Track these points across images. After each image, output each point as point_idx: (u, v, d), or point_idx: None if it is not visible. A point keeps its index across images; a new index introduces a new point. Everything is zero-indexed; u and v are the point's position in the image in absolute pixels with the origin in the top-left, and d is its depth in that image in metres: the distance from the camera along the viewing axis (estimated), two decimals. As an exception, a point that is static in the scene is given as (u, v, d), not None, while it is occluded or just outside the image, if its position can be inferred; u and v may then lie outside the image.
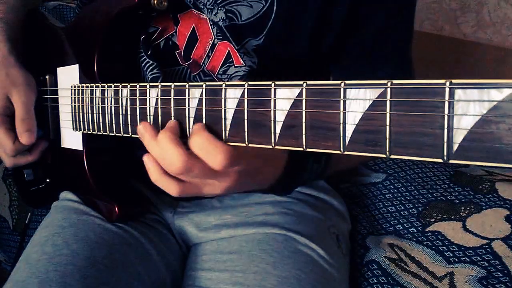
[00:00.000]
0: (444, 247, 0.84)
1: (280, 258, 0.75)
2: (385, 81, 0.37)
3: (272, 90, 0.45)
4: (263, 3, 0.71)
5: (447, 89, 0.33)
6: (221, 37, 0.73)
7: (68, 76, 0.84)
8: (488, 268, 0.78)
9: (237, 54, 0.73)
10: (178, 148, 0.53)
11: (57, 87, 0.88)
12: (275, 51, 0.74)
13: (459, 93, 0.33)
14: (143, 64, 0.77)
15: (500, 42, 1.50)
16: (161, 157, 0.56)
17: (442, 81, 0.33)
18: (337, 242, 0.84)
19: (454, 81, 0.33)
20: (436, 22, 1.62)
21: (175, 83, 0.57)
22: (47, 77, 0.89)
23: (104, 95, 0.70)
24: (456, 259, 0.81)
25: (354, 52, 0.78)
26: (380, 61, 0.78)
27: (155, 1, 0.71)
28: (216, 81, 0.75)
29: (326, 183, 0.94)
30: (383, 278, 0.83)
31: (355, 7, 0.73)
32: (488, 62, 1.48)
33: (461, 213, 0.87)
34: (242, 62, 0.73)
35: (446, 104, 0.33)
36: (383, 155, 0.37)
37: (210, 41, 0.74)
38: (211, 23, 0.74)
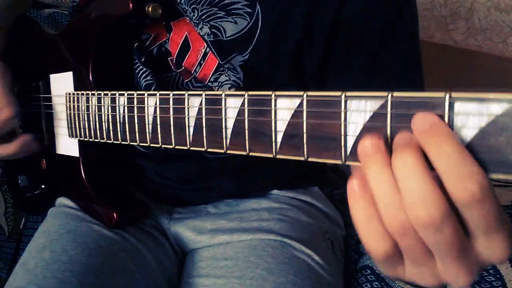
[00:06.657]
0: (437, 252, 0.85)
1: (276, 264, 0.76)
2: (385, 93, 0.37)
3: (273, 100, 0.45)
4: (247, 20, 0.69)
5: (446, 102, 0.34)
6: (208, 50, 0.73)
7: (61, 83, 0.84)
8: (481, 272, 0.79)
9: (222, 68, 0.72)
10: (431, 182, 0.32)
11: (50, 93, 0.87)
12: (261, 69, 0.72)
13: (458, 106, 0.34)
14: (137, 71, 0.78)
15: (491, 48, 1.52)
16: (393, 196, 0.34)
17: (442, 94, 0.34)
18: (331, 248, 0.85)
19: (453, 94, 0.34)
20: (427, 29, 1.63)
21: (174, 92, 0.56)
22: (40, 83, 0.89)
23: (101, 103, 0.70)
24: (449, 264, 0.82)
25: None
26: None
27: (150, 9, 0.70)
28: (207, 88, 0.75)
29: (319, 190, 0.95)
30: (376, 283, 0.84)
31: (338, 32, 0.68)
32: (479, 69, 1.50)
33: (453, 219, 0.88)
34: (227, 77, 0.73)
35: (446, 117, 0.34)
36: (385, 166, 0.38)
37: (203, 49, 0.73)
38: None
